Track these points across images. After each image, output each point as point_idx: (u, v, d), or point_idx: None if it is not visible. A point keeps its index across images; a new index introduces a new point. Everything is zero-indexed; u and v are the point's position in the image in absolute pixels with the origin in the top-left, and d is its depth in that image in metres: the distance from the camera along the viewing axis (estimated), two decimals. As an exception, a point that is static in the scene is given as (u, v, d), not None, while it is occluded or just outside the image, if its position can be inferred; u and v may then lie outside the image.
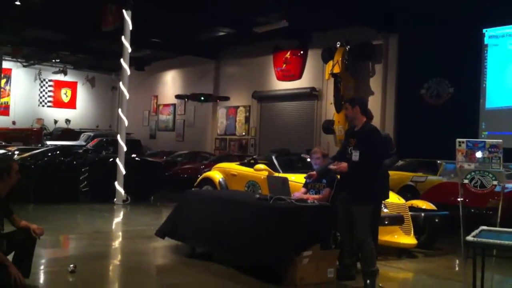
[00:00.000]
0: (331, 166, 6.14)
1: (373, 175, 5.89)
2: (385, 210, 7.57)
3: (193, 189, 10.28)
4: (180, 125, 25.89)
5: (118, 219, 11.34)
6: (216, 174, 10.90)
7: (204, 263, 6.78)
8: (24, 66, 29.13)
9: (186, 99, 23.21)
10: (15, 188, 5.34)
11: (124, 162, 12.93)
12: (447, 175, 11.98)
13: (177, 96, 23.72)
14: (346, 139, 6.25)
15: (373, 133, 6.02)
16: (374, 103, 16.68)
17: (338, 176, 6.37)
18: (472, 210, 9.31)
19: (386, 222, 7.30)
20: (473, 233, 4.71)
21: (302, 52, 19.35)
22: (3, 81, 26.65)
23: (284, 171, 9.31)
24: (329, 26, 17.45)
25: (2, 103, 25.80)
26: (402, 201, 8.09)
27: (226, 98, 22.56)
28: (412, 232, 7.88)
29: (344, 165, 5.95)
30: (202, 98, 22.32)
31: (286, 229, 5.95)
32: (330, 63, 17.07)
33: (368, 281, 5.83)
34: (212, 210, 6.97)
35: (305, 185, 7.10)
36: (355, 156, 5.85)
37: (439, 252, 8.44)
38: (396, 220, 7.58)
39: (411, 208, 8.31)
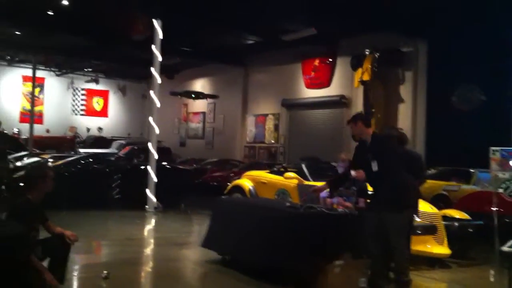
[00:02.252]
0: (352, 173, 6.13)
1: (400, 179, 5.85)
2: (418, 220, 7.47)
3: (223, 197, 10.32)
4: (209, 133, 26.04)
5: (149, 226, 11.46)
6: (246, 182, 10.92)
7: (235, 272, 6.79)
8: (57, 75, 29.71)
9: (179, 96, 24.56)
10: (49, 195, 5.42)
11: (155, 169, 13.05)
12: (481, 184, 11.91)
13: (172, 93, 24.49)
14: (360, 154, 6.17)
15: (384, 140, 6.17)
16: (404, 111, 16.56)
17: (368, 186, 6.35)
18: (507, 220, 9.09)
19: (419, 232, 7.21)
20: (509, 243, 4.63)
21: (330, 59, 19.28)
22: (37, 90, 27.21)
23: (314, 179, 9.28)
24: (358, 33, 17.36)
25: (36, 111, 26.33)
26: (434, 210, 7.98)
27: (216, 97, 23.96)
28: (445, 241, 7.76)
29: (362, 174, 5.96)
30: (193, 95, 24.12)
31: (317, 237, 5.93)
32: (359, 70, 16.96)
33: None
34: (243, 218, 6.98)
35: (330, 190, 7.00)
36: (374, 166, 5.85)
37: (473, 262, 8.29)
38: (429, 230, 7.48)
39: (444, 218, 8.20)
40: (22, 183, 5.31)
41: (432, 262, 7.80)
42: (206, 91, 26.20)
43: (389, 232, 5.79)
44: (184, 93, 24.26)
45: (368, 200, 6.40)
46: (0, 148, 13.12)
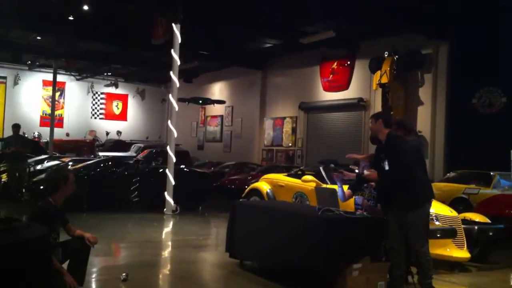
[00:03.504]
0: (365, 172, 6.11)
1: (412, 179, 5.79)
2: (437, 223, 7.41)
3: (241, 200, 10.33)
4: (227, 136, 26.12)
5: (167, 228, 11.51)
6: (263, 185, 10.91)
7: (253, 274, 6.80)
8: (77, 79, 30.07)
9: (187, 102, 24.63)
10: (69, 198, 5.48)
11: (173, 172, 13.12)
12: (501, 187, 11.77)
13: (180, 99, 24.34)
14: (377, 155, 6.17)
15: (396, 140, 5.99)
16: (423, 113, 16.42)
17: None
18: (528, 223, 9.00)
19: (438, 235, 7.13)
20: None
21: (349, 62, 19.22)
22: (57, 94, 27.55)
23: (332, 182, 9.24)
24: (377, 35, 17.28)
25: (56, 115, 26.66)
26: (454, 213, 7.90)
27: (222, 102, 24.41)
28: (465, 245, 7.67)
29: (374, 174, 5.93)
30: (200, 101, 24.70)
31: (335, 241, 5.90)
32: (378, 73, 16.88)
33: None
34: (261, 221, 6.97)
35: (352, 188, 6.98)
36: (386, 166, 5.85)
37: (494, 266, 8.19)
38: (448, 233, 7.40)
39: (464, 221, 8.11)
40: (43, 186, 5.37)
41: (452, 266, 7.72)
42: (224, 94, 26.32)
43: (410, 234, 5.77)
44: (191, 100, 24.53)
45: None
46: (20, 151, 13.31)
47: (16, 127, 13.64)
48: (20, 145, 13.41)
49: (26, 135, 24.11)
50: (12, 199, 12.91)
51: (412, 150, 6.10)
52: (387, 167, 5.83)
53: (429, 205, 6.10)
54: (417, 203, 5.81)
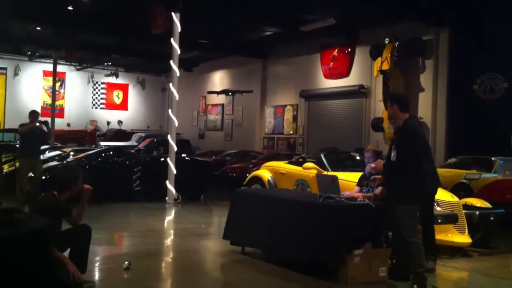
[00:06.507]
0: (371, 165, 6.08)
1: (412, 174, 5.65)
2: (438, 209, 7.43)
3: (242, 188, 10.35)
4: (228, 125, 26.11)
5: (170, 217, 11.55)
6: (265, 173, 10.93)
7: (256, 262, 6.83)
8: (77, 70, 30.00)
9: (217, 94, 25.13)
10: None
11: (175, 161, 13.14)
12: (502, 172, 11.77)
13: (209, 92, 25.50)
14: (392, 138, 6.14)
15: (409, 133, 5.77)
16: (424, 100, 16.40)
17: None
18: (529, 208, 9.01)
19: (440, 221, 7.16)
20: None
21: (349, 49, 19.16)
22: (58, 84, 27.50)
23: (333, 169, 9.26)
24: (377, 22, 17.21)
25: (57, 105, 26.63)
26: (455, 199, 7.92)
27: (250, 91, 23.98)
28: (467, 230, 7.70)
29: (380, 164, 5.88)
30: (230, 93, 24.71)
31: (336, 227, 5.93)
32: (379, 59, 16.83)
33: (414, 286, 5.58)
34: (262, 209, 7.00)
35: (359, 183, 7.04)
36: (393, 156, 5.73)
37: (495, 251, 8.22)
38: (450, 219, 7.42)
39: (465, 206, 8.12)
40: (52, 182, 5.44)
41: (453, 251, 7.75)
42: (225, 83, 26.27)
43: (399, 225, 5.68)
44: (221, 92, 24.89)
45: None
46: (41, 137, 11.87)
47: (33, 114, 11.58)
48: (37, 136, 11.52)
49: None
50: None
51: (422, 143, 5.93)
52: (393, 158, 5.69)
53: (417, 205, 5.82)
54: (407, 199, 5.63)
